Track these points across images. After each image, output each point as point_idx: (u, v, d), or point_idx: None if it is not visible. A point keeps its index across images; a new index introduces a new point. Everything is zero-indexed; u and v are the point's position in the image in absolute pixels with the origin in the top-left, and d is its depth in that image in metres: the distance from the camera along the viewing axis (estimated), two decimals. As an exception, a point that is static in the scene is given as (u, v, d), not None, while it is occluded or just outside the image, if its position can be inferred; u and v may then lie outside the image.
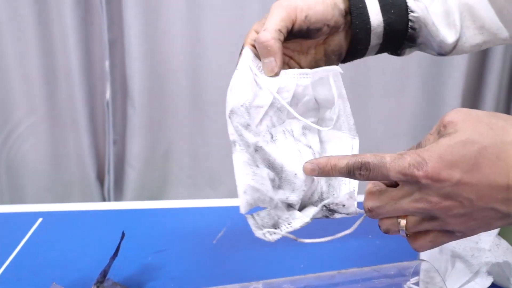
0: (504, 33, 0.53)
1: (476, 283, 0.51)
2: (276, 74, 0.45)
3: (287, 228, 0.43)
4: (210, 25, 1.48)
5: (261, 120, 0.44)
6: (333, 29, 0.48)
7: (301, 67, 0.50)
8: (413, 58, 1.45)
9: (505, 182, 0.33)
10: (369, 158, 0.37)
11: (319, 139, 0.47)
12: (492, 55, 1.47)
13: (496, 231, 0.52)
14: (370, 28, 0.49)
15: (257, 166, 0.42)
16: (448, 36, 0.51)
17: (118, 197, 1.64)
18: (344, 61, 0.52)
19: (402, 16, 0.50)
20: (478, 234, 0.46)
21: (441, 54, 0.53)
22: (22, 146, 1.58)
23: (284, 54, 0.48)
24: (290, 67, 0.49)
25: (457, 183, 0.34)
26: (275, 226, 0.43)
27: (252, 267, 0.62)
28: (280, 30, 0.44)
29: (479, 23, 0.52)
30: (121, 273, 0.61)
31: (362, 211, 0.42)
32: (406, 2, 0.50)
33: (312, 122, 0.46)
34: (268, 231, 0.42)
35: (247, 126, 0.42)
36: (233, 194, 0.76)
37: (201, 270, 0.62)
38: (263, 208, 0.43)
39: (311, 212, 0.43)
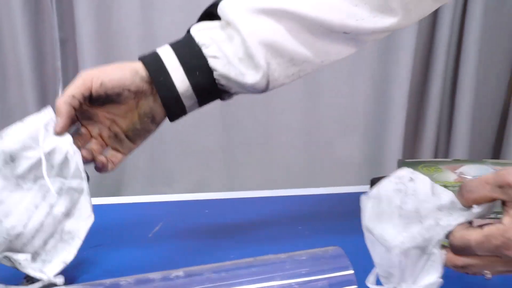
0: (316, 59, 0.55)
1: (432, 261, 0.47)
2: (59, 133, 0.51)
3: None
4: (164, 25, 1.49)
5: (30, 169, 0.50)
6: (138, 94, 0.52)
7: (122, 130, 0.55)
8: (363, 59, 1.51)
9: None
10: (456, 241, 0.40)
11: (73, 203, 0.54)
12: (435, 56, 1.53)
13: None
14: (178, 94, 0.52)
15: None
16: (253, 77, 0.53)
17: (73, 197, 1.63)
18: (171, 119, 0.56)
19: (207, 76, 0.53)
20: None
21: (260, 92, 0.56)
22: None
23: (106, 118, 0.54)
24: (111, 130, 0.55)
25: None
26: None
27: (185, 260, 0.64)
28: (73, 96, 0.50)
29: (288, 57, 0.54)
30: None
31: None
32: (207, 63, 0.53)
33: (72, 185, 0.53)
34: None
35: None
36: (189, 191, 0.77)
37: (135, 263, 0.64)
38: None
39: None
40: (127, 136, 0.56)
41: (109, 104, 0.53)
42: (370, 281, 0.48)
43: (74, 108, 0.51)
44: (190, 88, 0.53)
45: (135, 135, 0.55)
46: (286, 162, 1.65)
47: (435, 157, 1.65)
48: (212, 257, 0.65)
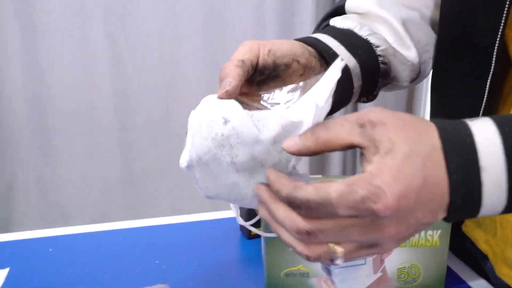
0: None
1: None
2: (228, 94, 0.38)
3: None
4: (49, 47, 1.37)
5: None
6: (307, 69, 0.45)
7: None
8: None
9: (442, 191, 0.31)
10: (310, 194, 0.30)
11: None
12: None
13: None
14: (349, 69, 0.47)
15: None
16: (413, 56, 0.52)
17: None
18: (331, 112, 0.47)
19: (370, 54, 0.50)
20: None
21: (413, 79, 0.55)
22: None
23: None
24: None
25: (413, 206, 0.30)
26: None
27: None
28: (242, 60, 0.41)
29: (424, 41, 0.54)
30: None
31: None
32: (368, 40, 0.50)
33: None
34: None
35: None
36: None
37: None
38: None
39: None
40: None
41: (272, 83, 0.43)
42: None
43: (243, 76, 0.40)
44: (357, 65, 0.48)
45: None
46: (192, 189, 1.56)
47: (344, 172, 1.64)
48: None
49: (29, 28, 1.35)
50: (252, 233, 0.63)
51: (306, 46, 0.46)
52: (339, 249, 0.31)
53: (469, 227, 0.56)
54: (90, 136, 1.48)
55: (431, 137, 0.31)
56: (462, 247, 0.58)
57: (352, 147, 0.32)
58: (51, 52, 1.38)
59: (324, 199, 0.29)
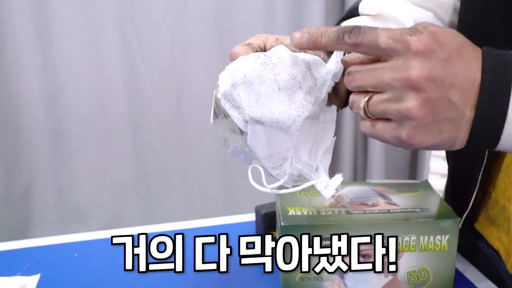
0: None
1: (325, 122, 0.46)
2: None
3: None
4: (64, 53, 1.41)
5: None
6: None
7: None
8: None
9: (474, 76, 0.35)
10: (362, 25, 0.37)
11: None
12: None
13: None
14: None
15: None
16: None
17: (-29, 243, 1.48)
18: (345, 104, 0.49)
19: None
20: None
21: None
22: None
23: None
24: None
25: (443, 60, 0.35)
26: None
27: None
28: (249, 43, 0.46)
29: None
30: None
31: None
32: None
33: None
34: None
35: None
36: (103, 227, 0.69)
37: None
38: None
39: None
40: None
41: None
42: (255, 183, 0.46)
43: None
44: None
45: None
46: (204, 190, 1.59)
47: (355, 178, 1.65)
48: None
49: (44, 34, 1.38)
50: (267, 238, 0.66)
51: None
52: (365, 98, 0.38)
53: (481, 224, 0.58)
54: (105, 139, 1.52)
55: (476, 47, 0.37)
56: (475, 249, 0.60)
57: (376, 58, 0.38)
58: (66, 57, 1.42)
59: (371, 27, 0.36)
